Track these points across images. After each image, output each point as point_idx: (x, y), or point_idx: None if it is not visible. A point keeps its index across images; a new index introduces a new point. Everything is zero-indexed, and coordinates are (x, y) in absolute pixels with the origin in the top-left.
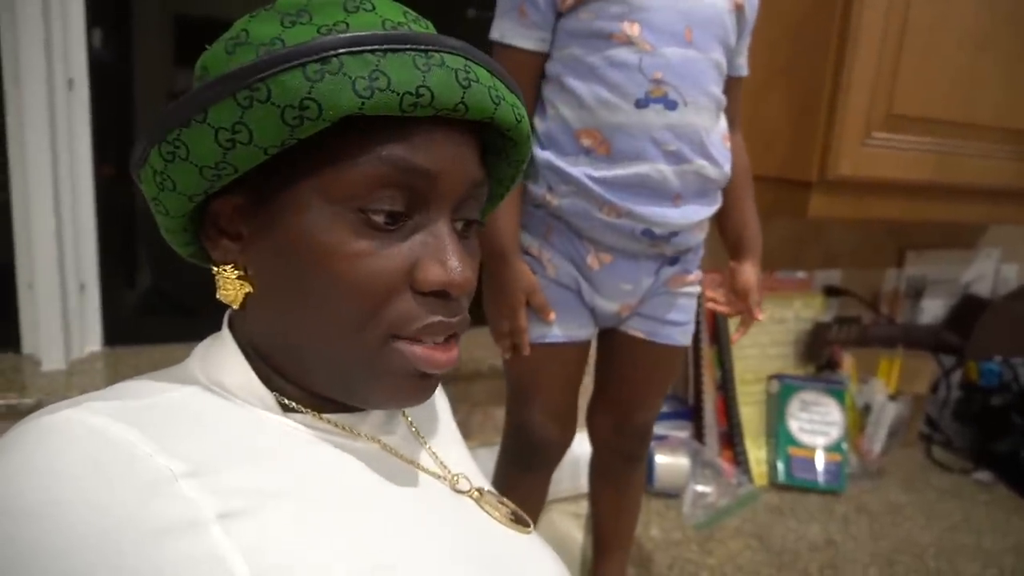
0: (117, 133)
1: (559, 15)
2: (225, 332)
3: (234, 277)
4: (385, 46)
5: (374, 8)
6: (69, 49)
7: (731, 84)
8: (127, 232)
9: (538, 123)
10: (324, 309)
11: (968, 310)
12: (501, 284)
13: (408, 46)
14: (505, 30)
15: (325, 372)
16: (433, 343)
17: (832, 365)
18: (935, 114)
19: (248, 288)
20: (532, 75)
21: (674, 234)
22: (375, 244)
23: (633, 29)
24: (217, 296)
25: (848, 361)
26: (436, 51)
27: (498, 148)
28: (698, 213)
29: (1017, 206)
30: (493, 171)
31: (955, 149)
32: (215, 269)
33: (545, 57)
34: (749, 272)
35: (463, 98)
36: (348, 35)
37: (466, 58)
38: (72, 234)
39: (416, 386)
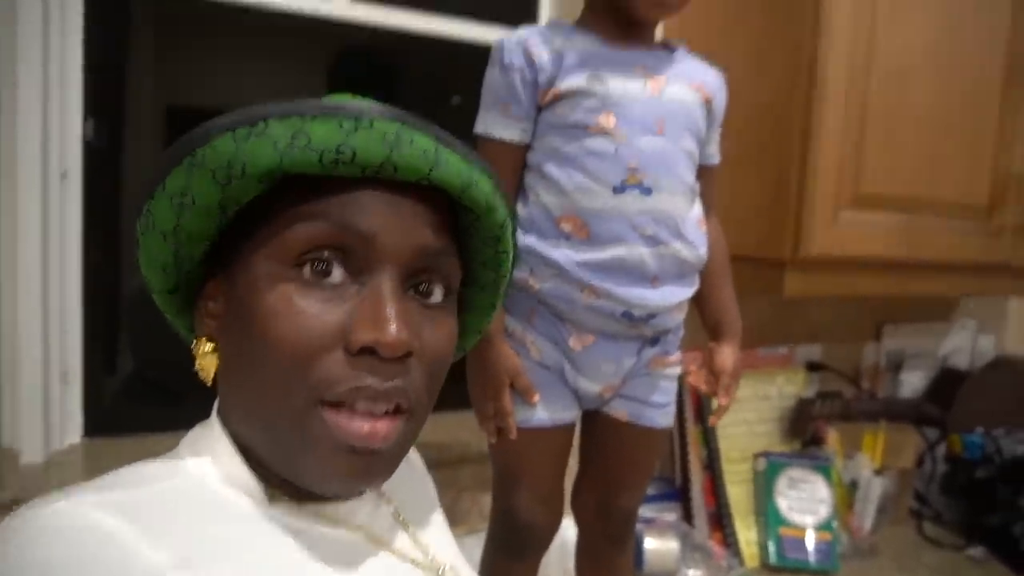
0: (105, 221)
1: (539, 108)
2: (213, 419)
3: (205, 350)
4: (314, 112)
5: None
6: (65, 140)
7: (704, 172)
8: (110, 319)
9: (520, 209)
10: (257, 369)
11: (947, 382)
12: (484, 366)
13: (336, 113)
14: (489, 123)
15: (266, 446)
16: (370, 413)
17: (817, 441)
18: (900, 192)
19: (216, 362)
20: (515, 164)
21: (652, 315)
22: (312, 303)
23: (609, 121)
24: (196, 369)
25: (832, 436)
26: (368, 117)
27: (469, 224)
28: (676, 295)
29: (986, 279)
30: (475, 253)
31: (922, 225)
32: (193, 346)
33: (527, 148)
34: (726, 354)
35: (390, 156)
36: (281, 105)
37: (402, 123)
38: (58, 324)
39: (348, 463)
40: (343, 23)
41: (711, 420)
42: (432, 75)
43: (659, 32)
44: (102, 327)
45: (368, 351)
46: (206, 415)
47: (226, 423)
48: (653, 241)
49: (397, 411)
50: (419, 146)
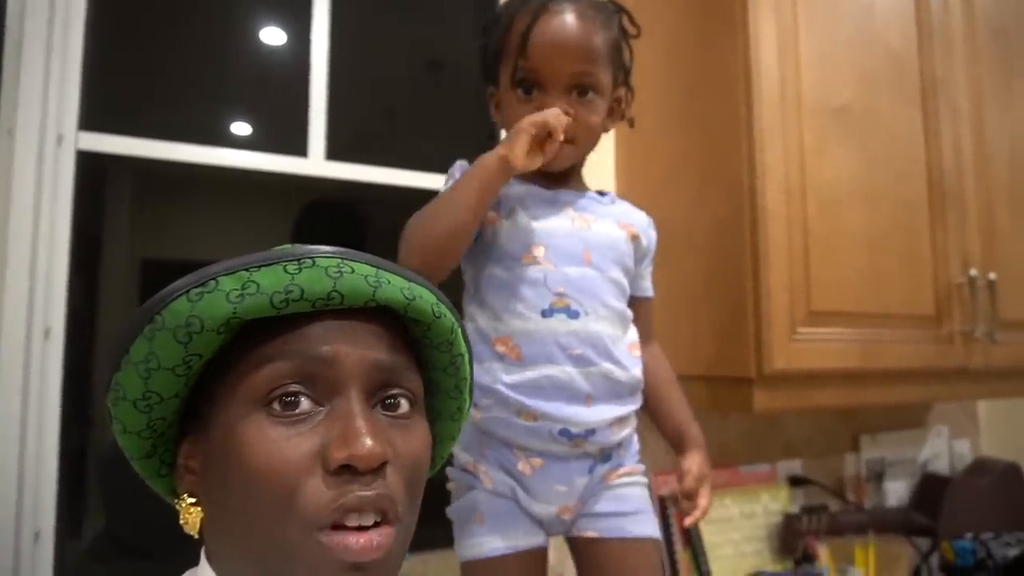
0: (81, 377)
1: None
2: (203, 565)
3: (187, 504)
4: (258, 263)
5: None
6: (50, 299)
7: (638, 304)
8: (82, 476)
9: None
10: (241, 508)
11: (931, 489)
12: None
13: (280, 259)
14: None
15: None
16: (359, 526)
17: (808, 557)
18: (849, 307)
19: (201, 514)
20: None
21: (591, 432)
22: (286, 434)
23: (539, 251)
24: (180, 524)
25: (823, 552)
26: (309, 257)
27: (421, 335)
28: (611, 411)
29: (948, 385)
30: (433, 361)
31: (874, 337)
32: (176, 503)
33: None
34: (689, 460)
35: (335, 287)
36: (227, 262)
37: (341, 258)
38: (33, 482)
39: None
40: (314, 178)
41: (687, 520)
42: (399, 222)
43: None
44: (75, 485)
45: (345, 467)
46: (175, 572)
47: (216, 568)
48: (582, 361)
49: (384, 521)
50: (360, 273)
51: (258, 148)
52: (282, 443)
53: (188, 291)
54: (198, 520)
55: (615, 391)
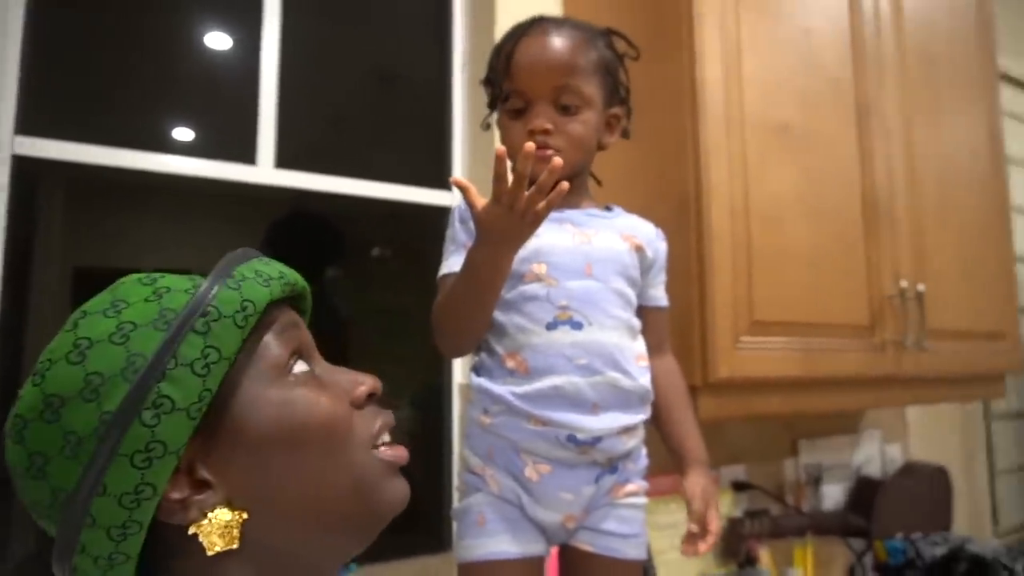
0: (14, 389)
1: None
2: None
3: (227, 512)
4: (247, 259)
5: (170, 289)
6: None
7: (649, 313)
8: (10, 496)
9: (473, 356)
10: (316, 457)
11: (865, 491)
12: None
13: (251, 257)
14: (454, 264)
15: (334, 518)
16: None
17: (751, 560)
18: (790, 318)
19: (244, 515)
20: None
21: (597, 439)
22: (314, 390)
23: (541, 268)
24: (209, 554)
25: (765, 554)
26: (263, 255)
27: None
28: (618, 420)
29: (879, 391)
30: None
31: (814, 346)
32: (196, 530)
33: None
34: (690, 482)
35: (295, 277)
36: (236, 253)
37: (271, 258)
38: None
39: (402, 481)
40: (264, 186)
41: (701, 548)
42: (352, 230)
43: None
44: (2, 506)
45: (368, 397)
46: None
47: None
48: (588, 371)
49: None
50: (289, 267)
51: (203, 155)
52: (326, 396)
53: (225, 282)
54: (238, 528)
55: (622, 400)
